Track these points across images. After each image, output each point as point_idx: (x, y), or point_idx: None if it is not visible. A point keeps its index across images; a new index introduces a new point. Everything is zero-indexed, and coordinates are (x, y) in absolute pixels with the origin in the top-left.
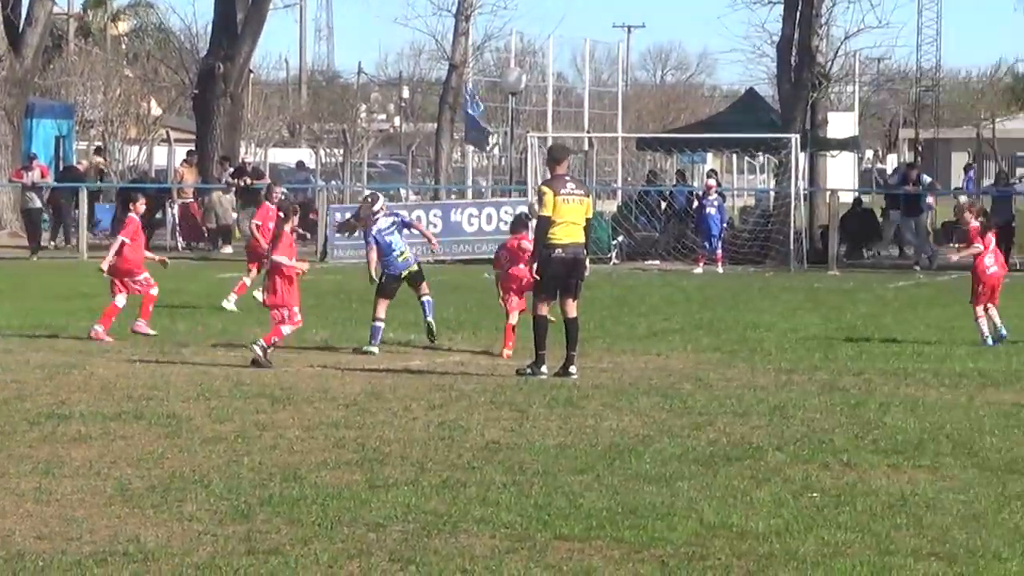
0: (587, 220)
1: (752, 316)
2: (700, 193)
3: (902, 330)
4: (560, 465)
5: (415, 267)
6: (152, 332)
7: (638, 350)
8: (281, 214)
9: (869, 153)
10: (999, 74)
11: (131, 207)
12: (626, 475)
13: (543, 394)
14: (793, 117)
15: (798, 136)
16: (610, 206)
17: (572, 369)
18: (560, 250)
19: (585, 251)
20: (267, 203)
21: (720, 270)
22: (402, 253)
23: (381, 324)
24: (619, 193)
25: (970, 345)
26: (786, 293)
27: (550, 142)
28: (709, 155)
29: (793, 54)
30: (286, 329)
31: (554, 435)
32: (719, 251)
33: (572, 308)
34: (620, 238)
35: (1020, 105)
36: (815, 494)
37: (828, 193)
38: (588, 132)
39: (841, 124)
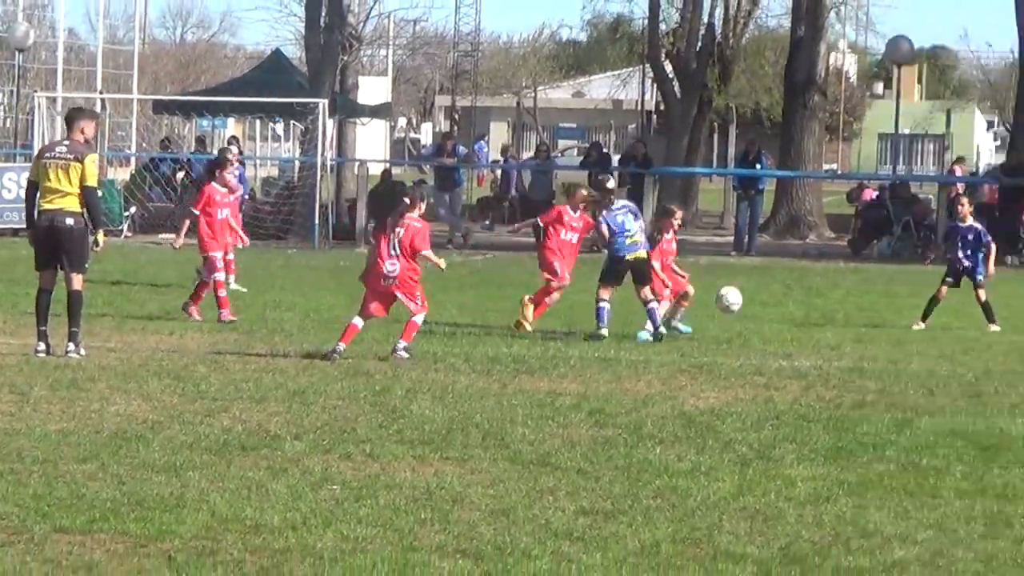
0: (86, 187)
1: (273, 295)
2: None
3: (433, 312)
4: (62, 453)
5: (643, 253)
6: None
7: (149, 329)
8: None
9: (402, 121)
10: (541, 40)
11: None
12: (133, 464)
13: (45, 375)
14: (322, 81)
15: (326, 101)
16: (123, 174)
17: (71, 347)
18: (39, 216)
19: (86, 221)
20: None
21: (240, 245)
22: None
23: (605, 305)
24: (133, 160)
25: (503, 329)
26: (310, 272)
27: (59, 103)
28: (231, 120)
29: (323, 14)
30: None
31: (56, 420)
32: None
33: (73, 281)
34: (133, 209)
35: (563, 73)
36: (335, 486)
37: (357, 164)
38: (100, 93)
39: (373, 89)
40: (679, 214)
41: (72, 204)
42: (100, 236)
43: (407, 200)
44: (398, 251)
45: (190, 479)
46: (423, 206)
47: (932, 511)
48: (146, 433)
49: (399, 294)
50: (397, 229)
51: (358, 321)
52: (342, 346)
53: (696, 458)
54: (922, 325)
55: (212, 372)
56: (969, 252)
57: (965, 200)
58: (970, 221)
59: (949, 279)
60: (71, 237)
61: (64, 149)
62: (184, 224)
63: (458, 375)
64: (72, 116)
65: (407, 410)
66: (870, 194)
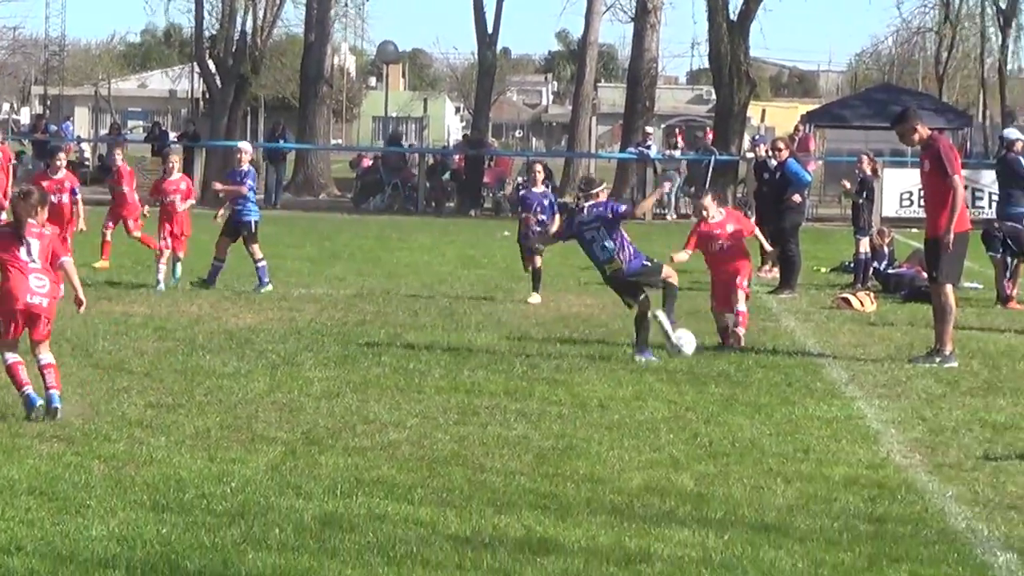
0: None
1: None
2: None
3: None
4: None
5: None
6: None
7: None
8: None
9: (6, 106)
10: (113, 43)
11: None
12: None
13: None
14: None
15: None
16: None
17: None
18: None
19: None
20: None
21: None
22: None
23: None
24: None
25: (84, 267)
26: None
27: None
28: None
29: None
30: None
31: None
32: None
33: None
34: None
35: (130, 69)
36: None
37: None
38: None
39: None
40: None
41: None
42: None
43: None
44: None
45: None
46: None
47: (418, 404)
48: None
49: None
50: None
51: None
52: None
53: (237, 364)
54: (537, 297)
55: None
56: (543, 218)
57: (539, 167)
58: (543, 188)
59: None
60: None
61: None
62: None
63: None
64: None
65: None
66: (367, 162)
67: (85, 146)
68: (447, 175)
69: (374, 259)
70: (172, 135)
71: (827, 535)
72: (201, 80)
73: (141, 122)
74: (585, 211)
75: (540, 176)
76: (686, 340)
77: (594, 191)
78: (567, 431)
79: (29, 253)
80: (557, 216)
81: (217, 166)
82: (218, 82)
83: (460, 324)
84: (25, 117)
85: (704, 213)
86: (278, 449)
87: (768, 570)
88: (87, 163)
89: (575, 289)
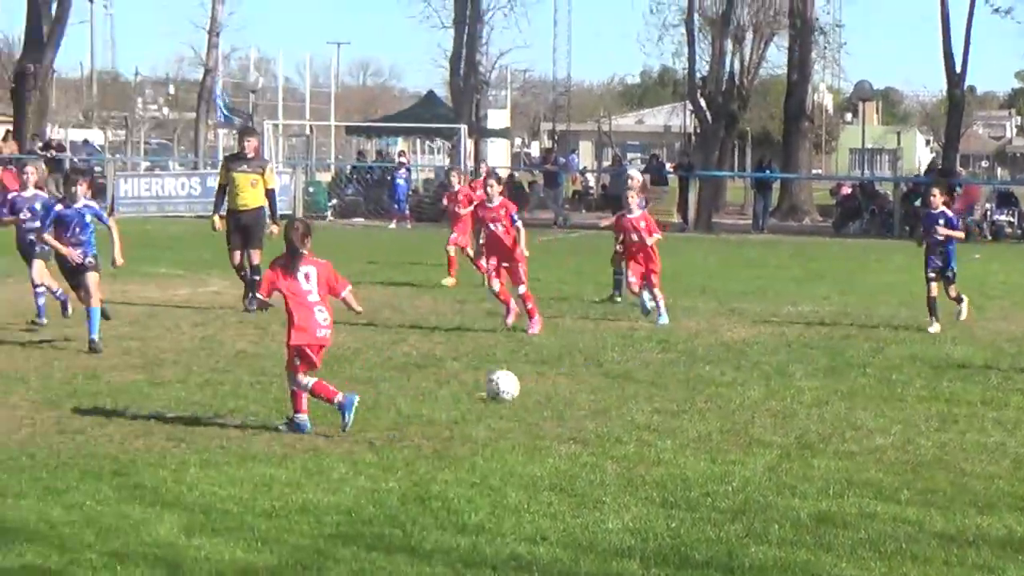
0: (268, 189)
1: (429, 259)
2: (393, 168)
3: (546, 273)
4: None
5: None
6: None
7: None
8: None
9: (518, 140)
10: (612, 84)
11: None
12: (341, 378)
13: (276, 315)
14: (462, 112)
15: (466, 127)
16: (326, 177)
17: (250, 296)
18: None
19: (268, 211)
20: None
21: (408, 226)
22: None
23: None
24: (332, 167)
25: (597, 285)
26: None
27: (280, 129)
28: (400, 140)
29: (461, 66)
30: None
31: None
32: (406, 211)
33: (254, 256)
34: (334, 201)
35: (629, 107)
36: (483, 393)
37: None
38: (308, 121)
39: (498, 118)
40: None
41: (258, 200)
42: (274, 227)
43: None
44: None
45: (382, 388)
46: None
47: (901, 412)
48: (350, 356)
49: None
50: None
51: None
52: None
53: (734, 374)
54: (936, 326)
55: (394, 314)
56: (939, 238)
57: (936, 191)
58: (941, 208)
59: (931, 274)
60: (258, 224)
61: (247, 166)
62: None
63: (564, 318)
64: (244, 133)
65: (530, 340)
66: (846, 190)
67: (590, 176)
68: (919, 202)
69: (854, 279)
70: (668, 166)
71: None
72: (693, 116)
73: (639, 154)
74: None
75: (938, 200)
76: None
77: None
78: None
79: (308, 284)
80: (955, 231)
81: (709, 193)
82: (708, 118)
83: (937, 339)
84: (535, 150)
85: None
86: (774, 452)
87: None
88: (591, 191)
89: None
